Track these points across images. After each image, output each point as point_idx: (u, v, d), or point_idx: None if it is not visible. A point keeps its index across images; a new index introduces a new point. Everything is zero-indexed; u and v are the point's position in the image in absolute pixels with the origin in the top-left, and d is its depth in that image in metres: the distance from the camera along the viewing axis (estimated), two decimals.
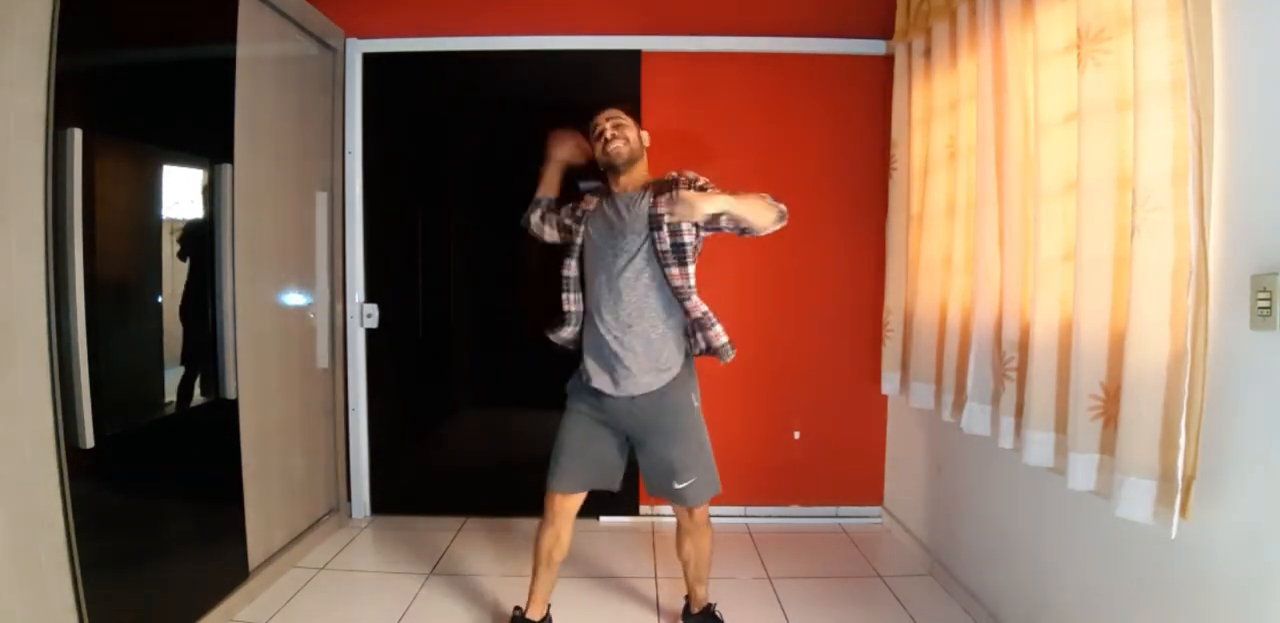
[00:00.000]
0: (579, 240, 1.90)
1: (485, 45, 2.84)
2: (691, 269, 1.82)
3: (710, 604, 2.06)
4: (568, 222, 1.98)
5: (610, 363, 1.83)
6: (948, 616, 2.15)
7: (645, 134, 1.94)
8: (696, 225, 1.79)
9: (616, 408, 1.85)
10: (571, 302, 1.92)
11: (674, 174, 1.88)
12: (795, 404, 2.96)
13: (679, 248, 1.79)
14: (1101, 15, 1.45)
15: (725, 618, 2.06)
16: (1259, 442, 1.20)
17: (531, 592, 1.96)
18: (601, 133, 1.87)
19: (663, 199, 1.79)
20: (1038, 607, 1.83)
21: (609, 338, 1.83)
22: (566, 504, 1.90)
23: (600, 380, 1.85)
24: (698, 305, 1.85)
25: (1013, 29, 1.81)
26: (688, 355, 1.93)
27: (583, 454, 1.89)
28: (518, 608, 1.97)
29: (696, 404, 1.91)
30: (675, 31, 2.83)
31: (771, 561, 2.55)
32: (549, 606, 2.00)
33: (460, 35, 2.83)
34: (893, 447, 2.95)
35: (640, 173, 1.93)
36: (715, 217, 1.73)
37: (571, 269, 1.91)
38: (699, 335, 1.88)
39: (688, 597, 2.08)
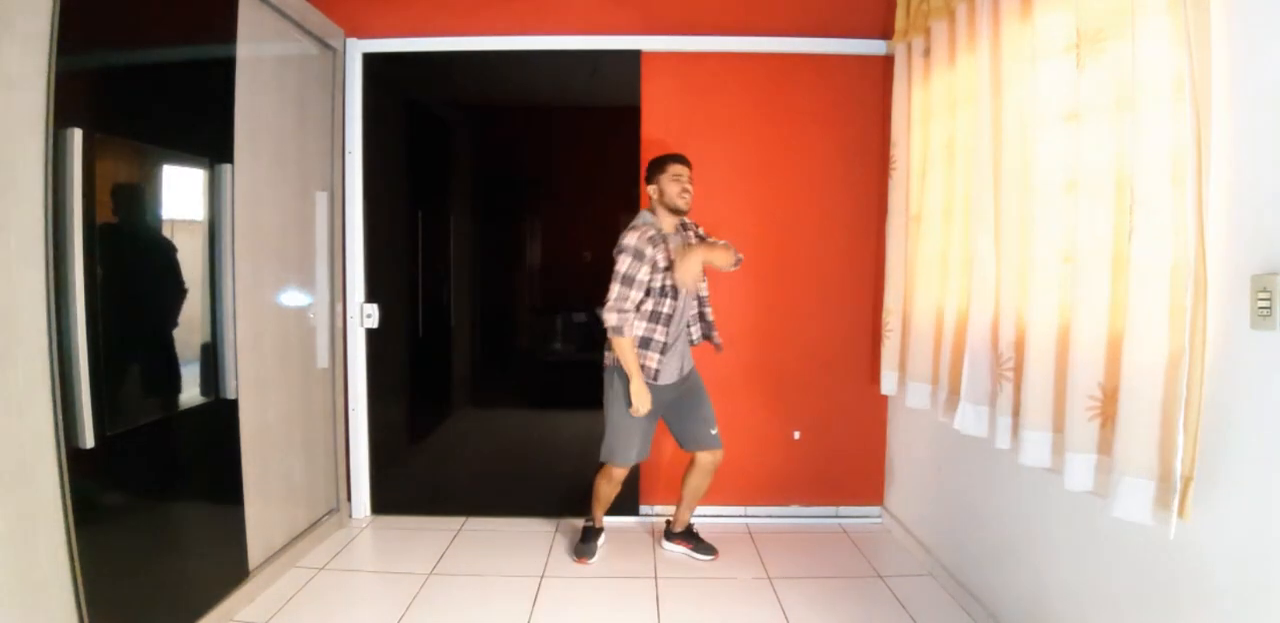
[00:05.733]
0: (670, 283, 2.35)
1: (485, 45, 2.84)
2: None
3: (689, 524, 2.67)
4: (658, 275, 2.35)
5: (680, 358, 2.46)
6: (948, 616, 2.15)
7: None
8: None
9: (668, 389, 2.44)
10: (659, 332, 2.37)
11: (690, 227, 2.51)
12: (795, 404, 2.96)
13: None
14: (1100, 15, 1.45)
15: (725, 618, 2.11)
16: (1259, 442, 1.19)
17: (596, 513, 2.65)
18: (683, 183, 2.37)
19: (689, 235, 2.48)
20: (1038, 607, 1.83)
21: (674, 337, 2.42)
22: (625, 471, 2.50)
23: (669, 375, 2.43)
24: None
25: (1011, 28, 1.81)
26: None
27: (644, 439, 2.44)
28: (588, 519, 2.66)
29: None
30: (675, 31, 2.84)
31: (771, 561, 2.55)
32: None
33: (460, 35, 2.84)
34: (893, 447, 2.95)
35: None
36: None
37: (666, 307, 2.38)
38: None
39: (669, 521, 2.69)
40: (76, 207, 1.51)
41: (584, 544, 2.57)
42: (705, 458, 2.50)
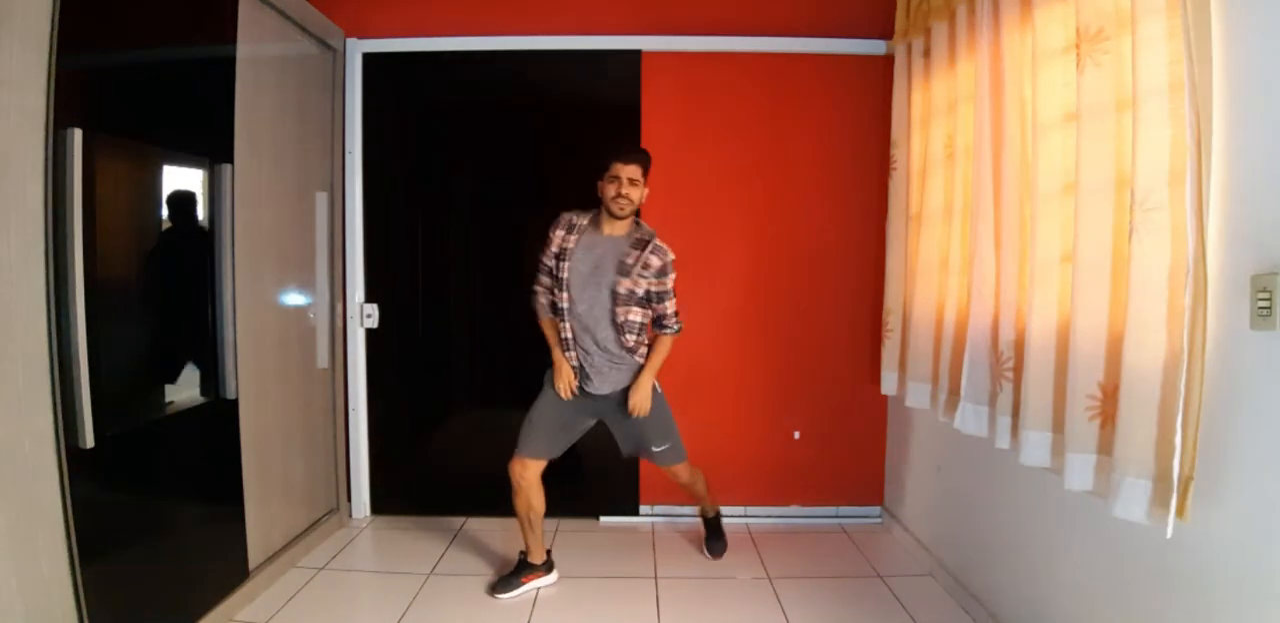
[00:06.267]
0: (565, 276, 2.20)
1: (485, 45, 2.84)
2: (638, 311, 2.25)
3: (715, 513, 2.62)
4: (549, 264, 2.26)
5: (606, 372, 2.26)
6: (948, 616, 2.14)
7: (646, 192, 2.23)
8: (648, 289, 2.22)
9: (601, 398, 2.29)
10: (563, 328, 2.26)
11: (650, 241, 2.22)
12: (795, 404, 2.96)
13: (630, 294, 2.21)
14: (1101, 15, 1.44)
15: (725, 618, 2.13)
16: (1259, 442, 1.19)
17: (526, 541, 2.32)
18: (618, 186, 2.14)
19: (635, 254, 2.20)
20: (1038, 607, 1.83)
21: (578, 336, 2.25)
22: (527, 472, 2.25)
23: (585, 383, 2.27)
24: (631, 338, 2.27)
25: (1011, 29, 1.81)
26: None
27: (551, 433, 2.27)
28: (522, 552, 2.33)
29: (659, 391, 2.35)
30: (675, 31, 2.84)
31: (771, 561, 2.55)
32: (548, 550, 2.39)
33: (460, 35, 2.84)
34: (893, 447, 2.95)
35: (628, 221, 2.24)
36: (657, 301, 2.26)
37: (563, 300, 2.22)
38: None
39: (700, 509, 2.64)
40: (76, 207, 1.50)
41: (504, 579, 2.28)
42: (678, 480, 2.46)
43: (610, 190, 2.15)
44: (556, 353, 2.26)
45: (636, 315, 2.24)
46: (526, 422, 2.27)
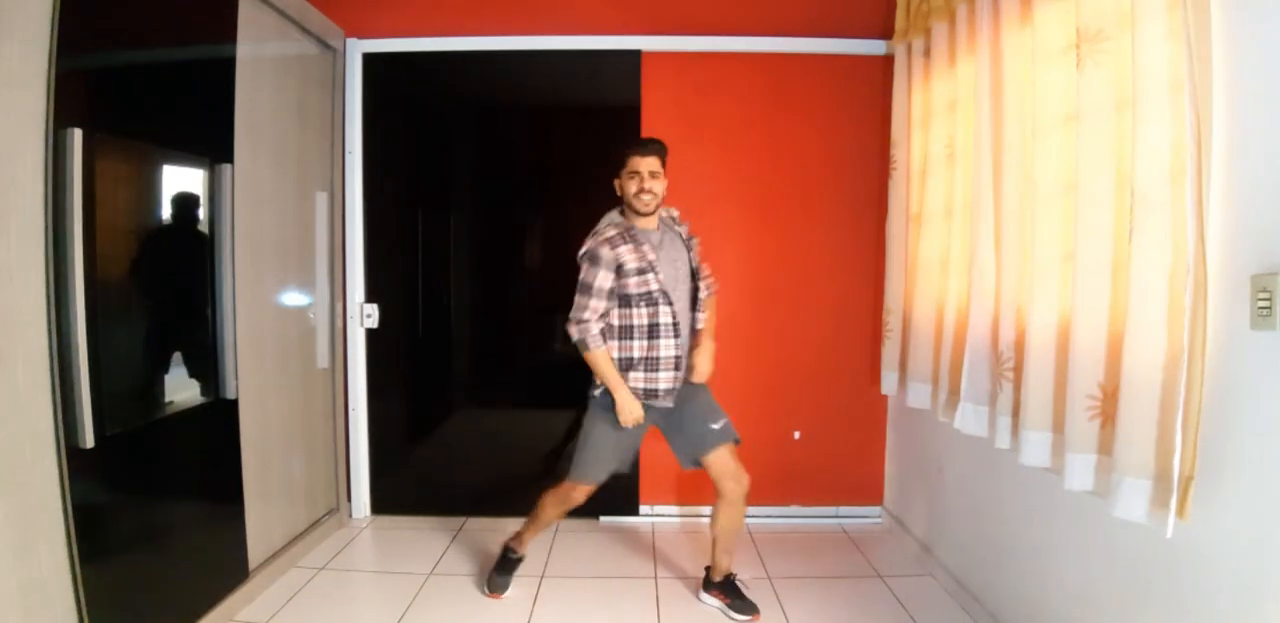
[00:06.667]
0: (658, 287, 2.04)
1: (485, 45, 2.84)
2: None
3: (731, 573, 2.23)
4: (630, 281, 2.04)
5: (680, 365, 2.11)
6: (948, 616, 2.14)
7: (666, 184, 2.12)
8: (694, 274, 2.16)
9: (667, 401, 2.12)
10: (637, 348, 2.09)
11: (672, 217, 2.21)
12: (795, 404, 2.96)
13: (696, 273, 2.16)
14: (1100, 15, 1.45)
15: (725, 618, 2.14)
16: (1259, 442, 1.19)
17: (525, 539, 2.31)
18: (640, 181, 2.04)
19: (683, 235, 2.19)
20: (1038, 607, 1.83)
21: (681, 348, 2.10)
22: (587, 494, 2.18)
23: (671, 383, 2.08)
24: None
25: (1011, 29, 1.81)
26: None
27: (621, 457, 2.16)
28: (511, 549, 2.31)
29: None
30: (675, 31, 2.84)
31: (771, 561, 2.55)
32: None
33: (460, 35, 2.84)
34: (893, 447, 2.95)
35: (655, 215, 2.13)
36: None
37: (644, 317, 2.07)
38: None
39: (709, 568, 2.25)
40: (76, 207, 1.51)
41: (499, 576, 2.27)
42: (726, 484, 2.09)
43: (632, 186, 2.03)
44: (622, 389, 2.02)
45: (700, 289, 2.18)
46: (588, 453, 2.12)
